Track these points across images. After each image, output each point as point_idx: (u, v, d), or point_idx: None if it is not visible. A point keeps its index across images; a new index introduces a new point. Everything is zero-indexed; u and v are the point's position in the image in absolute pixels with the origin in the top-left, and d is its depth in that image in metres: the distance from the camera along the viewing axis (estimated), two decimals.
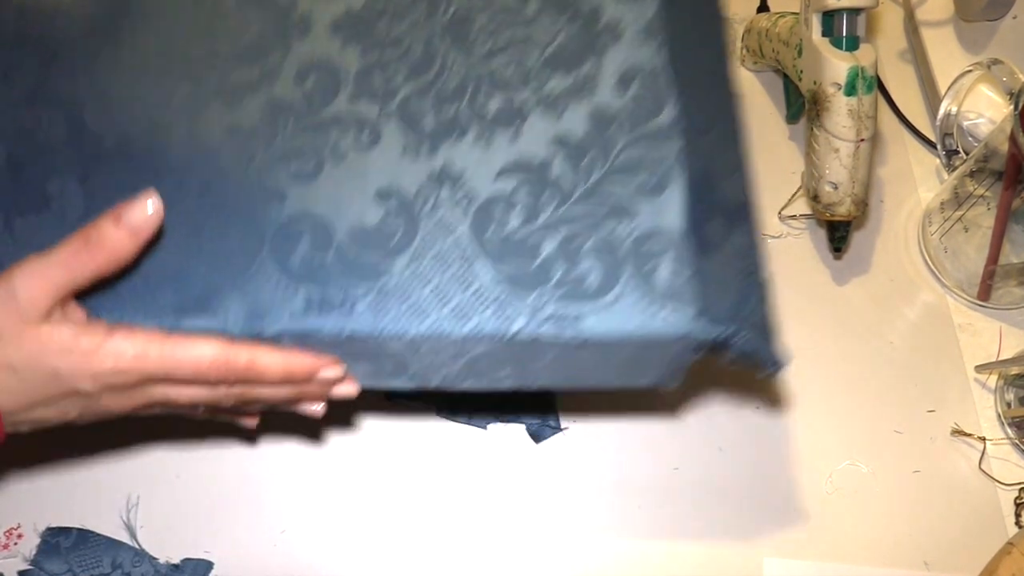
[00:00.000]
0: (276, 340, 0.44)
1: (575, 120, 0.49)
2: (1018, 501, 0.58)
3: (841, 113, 0.57)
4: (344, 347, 0.45)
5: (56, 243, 0.41)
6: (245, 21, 0.51)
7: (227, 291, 0.44)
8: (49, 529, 0.54)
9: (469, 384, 0.50)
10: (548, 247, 0.46)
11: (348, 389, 0.47)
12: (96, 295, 0.44)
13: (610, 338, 0.44)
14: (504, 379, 0.49)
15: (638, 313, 0.44)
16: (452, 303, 0.44)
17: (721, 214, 0.48)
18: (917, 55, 0.74)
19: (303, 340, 0.45)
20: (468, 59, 0.50)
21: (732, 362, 0.47)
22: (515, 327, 0.44)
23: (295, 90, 0.49)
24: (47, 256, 0.40)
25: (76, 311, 0.42)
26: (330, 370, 0.45)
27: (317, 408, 0.48)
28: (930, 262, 0.66)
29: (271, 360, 0.43)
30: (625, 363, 0.47)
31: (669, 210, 0.46)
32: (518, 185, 0.47)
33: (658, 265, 0.45)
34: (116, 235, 0.40)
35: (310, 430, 0.59)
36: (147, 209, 0.40)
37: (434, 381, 0.49)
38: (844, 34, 0.58)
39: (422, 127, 0.49)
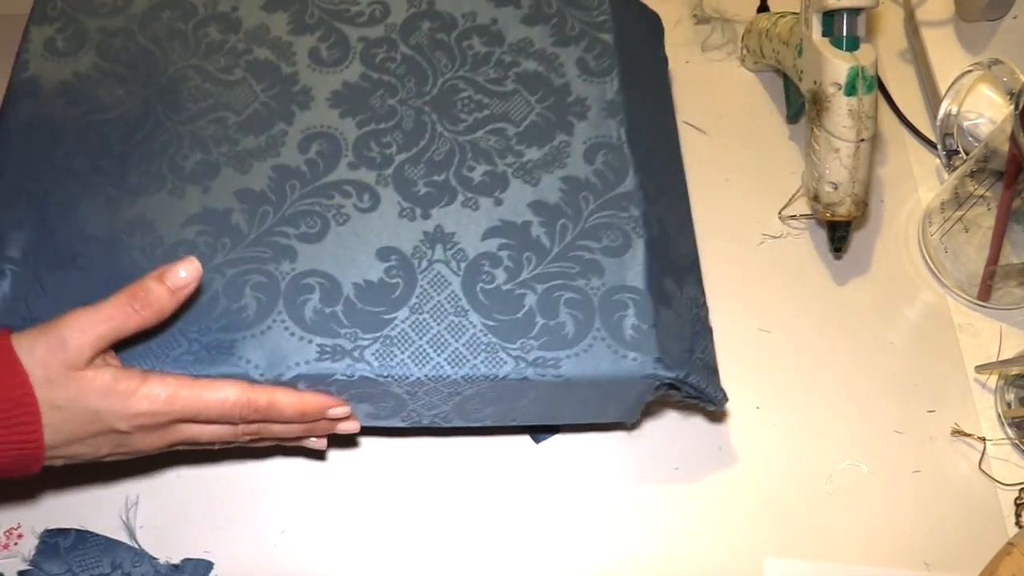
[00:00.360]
0: (293, 383, 0.49)
1: (550, 187, 0.55)
2: (1018, 501, 0.58)
3: (841, 113, 0.57)
4: (353, 389, 0.50)
5: (83, 296, 0.47)
6: (251, 92, 0.57)
7: (249, 342, 0.49)
8: (48, 530, 0.54)
9: (456, 423, 0.55)
10: (530, 300, 0.51)
11: (350, 426, 0.52)
12: (130, 346, 0.48)
13: (584, 379, 0.50)
14: (487, 417, 0.54)
15: (607, 358, 0.50)
16: (449, 350, 0.50)
17: (674, 269, 0.55)
18: (917, 55, 0.74)
19: (317, 383, 0.49)
20: (454, 130, 0.57)
21: (683, 399, 0.53)
22: (503, 371, 0.50)
23: (299, 157, 0.55)
24: (95, 310, 0.44)
25: (113, 358, 0.46)
26: (338, 409, 0.50)
27: (321, 442, 0.53)
28: (930, 262, 0.66)
29: (288, 400, 0.48)
30: (595, 401, 0.53)
31: (632, 268, 0.53)
32: (502, 245, 0.53)
33: (624, 317, 0.51)
34: (159, 293, 0.45)
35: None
36: (185, 271, 0.45)
37: (425, 420, 0.54)
38: (844, 34, 0.58)
39: (416, 192, 0.54)
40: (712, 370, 0.55)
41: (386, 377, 0.49)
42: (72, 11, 0.60)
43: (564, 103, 0.58)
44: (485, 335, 0.50)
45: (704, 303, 0.57)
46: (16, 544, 0.54)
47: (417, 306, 0.51)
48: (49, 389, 0.43)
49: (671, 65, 0.70)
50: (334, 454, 0.58)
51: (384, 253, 0.52)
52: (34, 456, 0.44)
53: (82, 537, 0.54)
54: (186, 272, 0.45)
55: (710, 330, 0.56)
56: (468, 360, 0.50)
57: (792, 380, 0.61)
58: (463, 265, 0.52)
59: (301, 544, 0.55)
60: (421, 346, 0.50)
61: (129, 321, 0.44)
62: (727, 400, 0.55)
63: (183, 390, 0.45)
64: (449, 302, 0.51)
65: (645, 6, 0.67)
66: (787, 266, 0.65)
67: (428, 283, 0.51)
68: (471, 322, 0.51)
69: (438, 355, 0.50)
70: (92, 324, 0.44)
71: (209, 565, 0.54)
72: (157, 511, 0.56)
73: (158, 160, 0.55)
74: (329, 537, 0.56)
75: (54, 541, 0.53)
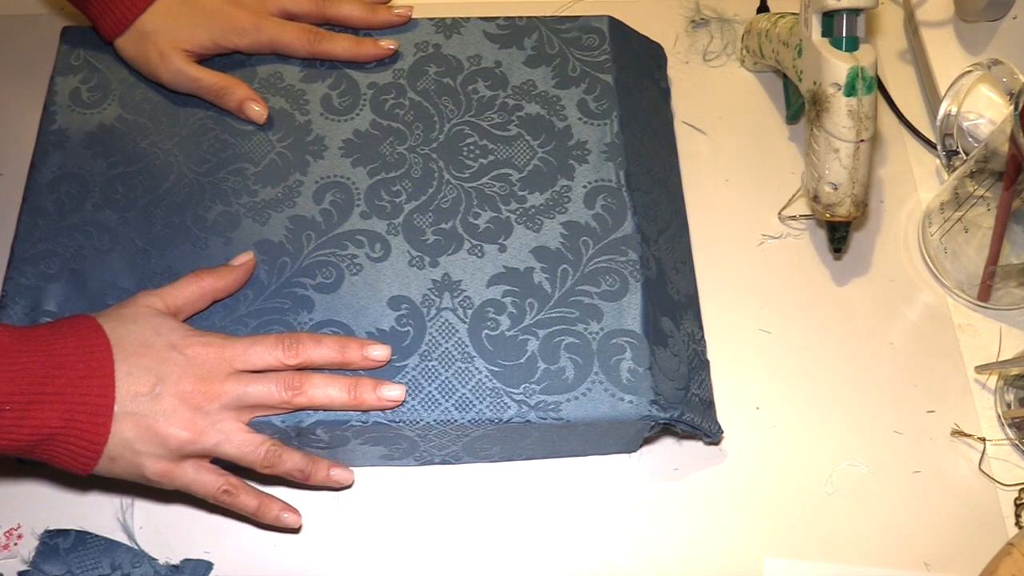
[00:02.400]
0: (311, 430, 0.51)
1: (551, 233, 0.56)
2: (1018, 501, 0.58)
3: (841, 114, 0.57)
4: (368, 433, 0.52)
5: None
6: (267, 142, 0.59)
7: None
8: (48, 531, 0.54)
9: (465, 461, 0.57)
10: (532, 346, 0.53)
11: (395, 392, 0.51)
12: None
13: (583, 421, 0.52)
14: (495, 455, 0.56)
15: (605, 401, 0.52)
16: (456, 395, 0.52)
17: (671, 308, 0.56)
18: (917, 55, 0.74)
19: (334, 428, 0.51)
20: (460, 177, 0.58)
21: (680, 433, 0.55)
22: (507, 415, 0.52)
23: (314, 207, 0.57)
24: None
25: None
26: (378, 350, 0.51)
27: (295, 518, 0.53)
28: (930, 262, 0.66)
29: (325, 336, 0.51)
30: (596, 438, 0.55)
31: (629, 312, 0.54)
32: (506, 292, 0.55)
33: (620, 361, 0.53)
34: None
35: None
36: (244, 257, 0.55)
37: (437, 459, 0.56)
38: (844, 34, 0.58)
39: (424, 241, 0.56)
40: (708, 405, 0.56)
41: (398, 422, 0.51)
42: (94, 61, 0.61)
43: (565, 147, 0.59)
44: (490, 380, 0.52)
45: (702, 337, 0.58)
46: (16, 544, 0.54)
47: (426, 353, 0.53)
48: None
49: (670, 65, 0.70)
50: None
51: (395, 302, 0.54)
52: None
53: (82, 538, 0.54)
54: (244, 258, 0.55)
55: (707, 364, 0.57)
56: (474, 405, 0.52)
57: (792, 380, 0.61)
58: (469, 312, 0.54)
59: (301, 544, 0.55)
60: (430, 392, 0.52)
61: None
62: (723, 434, 0.57)
63: (231, 342, 0.50)
64: (456, 349, 0.53)
65: (646, 39, 0.68)
66: (787, 266, 0.65)
67: (437, 331, 0.53)
68: (477, 368, 0.52)
69: (446, 400, 0.52)
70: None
71: (209, 565, 0.54)
72: (156, 512, 0.55)
73: (181, 212, 0.57)
74: (329, 537, 0.56)
75: (54, 542, 0.53)
